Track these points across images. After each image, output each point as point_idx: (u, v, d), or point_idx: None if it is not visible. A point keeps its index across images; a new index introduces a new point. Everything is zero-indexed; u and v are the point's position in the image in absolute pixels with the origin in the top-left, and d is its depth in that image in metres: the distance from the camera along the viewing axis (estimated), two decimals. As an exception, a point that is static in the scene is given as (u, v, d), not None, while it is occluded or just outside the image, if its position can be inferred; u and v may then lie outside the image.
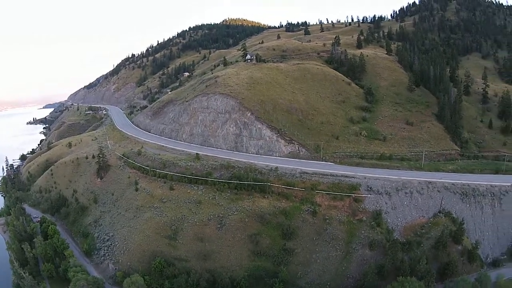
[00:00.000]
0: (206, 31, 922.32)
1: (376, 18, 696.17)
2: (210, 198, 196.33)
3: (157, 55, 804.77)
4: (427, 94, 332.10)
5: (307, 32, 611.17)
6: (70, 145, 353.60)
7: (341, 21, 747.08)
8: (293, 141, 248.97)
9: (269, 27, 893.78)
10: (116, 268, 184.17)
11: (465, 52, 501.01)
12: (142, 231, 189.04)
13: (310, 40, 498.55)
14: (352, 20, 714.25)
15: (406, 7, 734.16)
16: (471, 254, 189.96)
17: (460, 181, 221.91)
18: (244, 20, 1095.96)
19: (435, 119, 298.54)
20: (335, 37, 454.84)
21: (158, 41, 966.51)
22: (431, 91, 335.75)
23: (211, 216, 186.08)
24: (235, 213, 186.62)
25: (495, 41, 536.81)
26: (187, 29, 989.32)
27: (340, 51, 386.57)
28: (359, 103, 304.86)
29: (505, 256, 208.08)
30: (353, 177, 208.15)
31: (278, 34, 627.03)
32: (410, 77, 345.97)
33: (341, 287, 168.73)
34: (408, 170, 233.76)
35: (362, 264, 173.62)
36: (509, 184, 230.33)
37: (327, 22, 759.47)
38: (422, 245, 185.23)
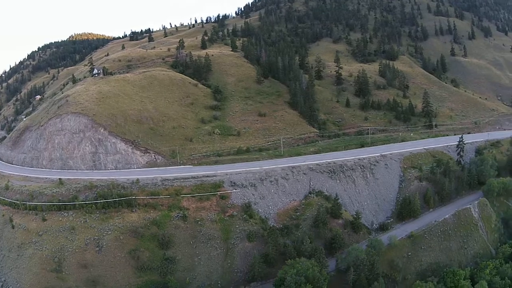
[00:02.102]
0: (54, 49, 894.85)
1: (220, 17, 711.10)
2: (82, 222, 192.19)
3: (10, 81, 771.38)
4: (276, 84, 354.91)
5: (151, 39, 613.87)
6: None
7: (184, 24, 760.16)
8: (149, 150, 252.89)
9: (114, 38, 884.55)
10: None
11: (314, 39, 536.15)
12: (29, 269, 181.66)
13: (154, 47, 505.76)
14: (196, 21, 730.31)
15: (251, 3, 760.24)
16: (354, 225, 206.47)
17: (325, 160, 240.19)
18: (89, 34, 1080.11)
19: (288, 106, 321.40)
20: (179, 40, 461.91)
21: (10, 65, 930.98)
22: (280, 80, 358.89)
23: (88, 240, 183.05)
24: (109, 232, 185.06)
25: (347, 25, 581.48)
26: (36, 49, 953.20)
27: (185, 54, 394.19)
28: (208, 102, 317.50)
29: (392, 219, 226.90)
30: (214, 176, 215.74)
31: (123, 44, 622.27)
32: (258, 70, 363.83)
33: (232, 283, 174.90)
34: (269, 160, 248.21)
35: (246, 256, 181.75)
36: (378, 154, 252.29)
37: (171, 26, 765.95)
38: (300, 226, 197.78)
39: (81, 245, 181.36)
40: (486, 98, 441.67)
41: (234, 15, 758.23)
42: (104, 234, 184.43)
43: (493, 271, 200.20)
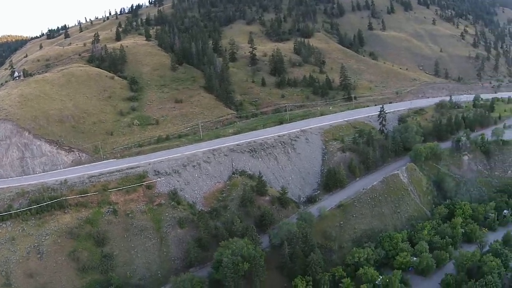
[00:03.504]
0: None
1: (134, 7, 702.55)
2: (20, 231, 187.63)
3: None
4: (191, 70, 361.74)
5: (67, 36, 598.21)
6: None
7: (99, 17, 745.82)
8: (73, 149, 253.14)
9: (32, 38, 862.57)
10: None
11: (228, 22, 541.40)
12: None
13: (71, 43, 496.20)
14: (110, 13, 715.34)
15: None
16: (282, 200, 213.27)
17: (244, 140, 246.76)
18: (8, 36, 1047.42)
19: (204, 91, 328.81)
20: (94, 34, 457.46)
21: None
22: (195, 66, 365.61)
23: (28, 248, 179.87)
24: (46, 238, 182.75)
25: (261, 6, 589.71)
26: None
27: (100, 47, 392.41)
28: (125, 94, 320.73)
29: (319, 191, 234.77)
30: (138, 167, 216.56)
31: (41, 44, 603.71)
32: (172, 57, 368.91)
33: (171, 272, 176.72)
34: (189, 145, 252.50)
35: (180, 243, 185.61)
36: (298, 129, 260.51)
37: (86, 21, 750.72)
38: (228, 207, 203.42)
39: (23, 254, 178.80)
40: (407, 69, 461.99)
41: (147, 4, 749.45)
42: (43, 240, 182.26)
43: (431, 231, 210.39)
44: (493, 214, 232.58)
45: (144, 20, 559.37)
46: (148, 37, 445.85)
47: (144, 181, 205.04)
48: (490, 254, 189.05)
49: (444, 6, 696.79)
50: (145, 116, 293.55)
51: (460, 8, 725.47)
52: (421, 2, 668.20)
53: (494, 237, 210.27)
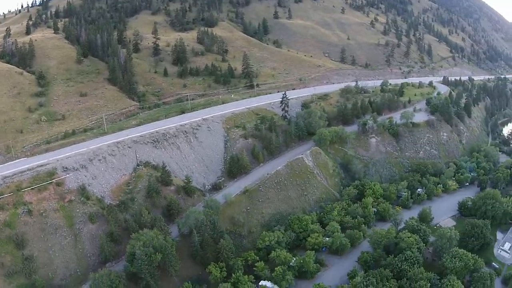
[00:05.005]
0: None
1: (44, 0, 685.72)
2: None
3: None
4: (96, 62, 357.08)
5: None
6: None
7: (12, 11, 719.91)
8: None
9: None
10: None
11: (134, 13, 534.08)
12: None
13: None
14: (22, 6, 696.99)
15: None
16: (187, 189, 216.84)
17: (147, 131, 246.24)
18: None
19: (108, 83, 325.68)
20: (6, 29, 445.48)
21: None
22: (100, 58, 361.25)
23: None
24: None
25: None
26: None
27: (11, 42, 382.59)
28: (33, 90, 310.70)
29: (223, 178, 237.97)
30: (47, 164, 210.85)
31: None
32: (78, 50, 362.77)
33: (89, 269, 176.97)
34: (95, 139, 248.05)
35: (93, 239, 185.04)
36: (199, 118, 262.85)
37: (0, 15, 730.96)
38: (135, 199, 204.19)
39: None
40: (311, 56, 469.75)
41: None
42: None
43: (341, 212, 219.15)
44: (406, 193, 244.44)
45: (53, 13, 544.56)
46: (56, 30, 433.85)
47: (53, 178, 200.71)
48: (406, 230, 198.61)
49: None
50: (52, 112, 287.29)
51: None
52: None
53: (409, 215, 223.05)
